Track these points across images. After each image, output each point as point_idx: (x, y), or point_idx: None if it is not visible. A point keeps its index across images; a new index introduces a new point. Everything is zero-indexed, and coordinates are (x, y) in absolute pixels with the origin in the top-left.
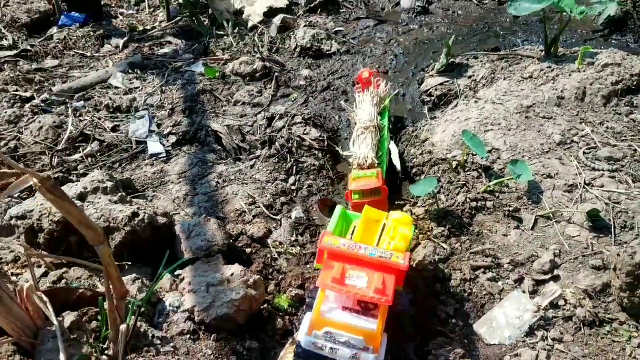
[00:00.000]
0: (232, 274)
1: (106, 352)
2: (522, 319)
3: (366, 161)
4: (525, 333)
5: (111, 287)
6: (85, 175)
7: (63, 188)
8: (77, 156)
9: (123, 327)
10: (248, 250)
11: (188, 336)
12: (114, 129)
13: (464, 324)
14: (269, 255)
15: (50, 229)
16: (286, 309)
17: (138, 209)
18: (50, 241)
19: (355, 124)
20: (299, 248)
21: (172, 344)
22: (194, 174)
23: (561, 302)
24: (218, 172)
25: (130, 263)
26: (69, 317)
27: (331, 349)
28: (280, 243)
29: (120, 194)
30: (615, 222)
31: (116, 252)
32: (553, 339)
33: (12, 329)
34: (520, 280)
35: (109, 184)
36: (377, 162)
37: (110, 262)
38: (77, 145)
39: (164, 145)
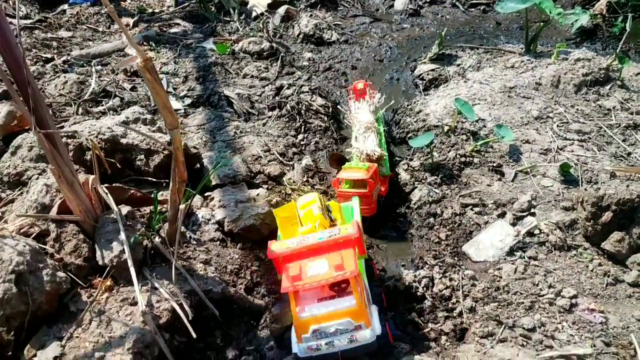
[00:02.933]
0: (258, 194)
1: (155, 237)
2: (504, 242)
3: (374, 153)
4: (506, 252)
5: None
6: None
7: (102, 119)
8: (100, 108)
9: (182, 206)
10: (265, 186)
11: (218, 242)
12: (133, 89)
13: (454, 245)
14: (283, 191)
15: (99, 146)
16: None
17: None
18: (98, 158)
19: (355, 125)
20: (309, 187)
21: (205, 246)
22: (212, 126)
23: (536, 231)
24: (234, 125)
25: (167, 180)
26: (124, 209)
27: (327, 344)
28: (294, 181)
29: (157, 125)
30: (582, 177)
31: (155, 171)
32: (529, 257)
33: (79, 211)
34: (502, 215)
35: (148, 116)
36: (385, 154)
37: (179, 146)
38: (99, 100)
39: (181, 103)
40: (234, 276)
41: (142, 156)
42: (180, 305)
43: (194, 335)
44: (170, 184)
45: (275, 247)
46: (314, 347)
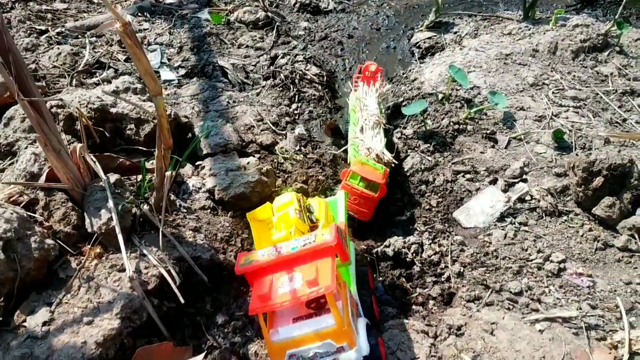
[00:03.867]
0: (248, 163)
1: (143, 205)
2: (495, 208)
3: (384, 156)
4: (496, 219)
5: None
6: None
7: (94, 90)
8: (94, 79)
9: (168, 173)
10: (257, 156)
11: (208, 211)
12: (127, 60)
13: (444, 212)
14: (275, 160)
15: (88, 116)
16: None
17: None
18: (86, 128)
19: (360, 111)
20: (302, 156)
21: (195, 214)
22: (205, 96)
23: (527, 198)
24: (227, 95)
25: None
26: (113, 177)
27: None
28: (286, 150)
29: (148, 95)
30: (576, 144)
31: (145, 140)
32: (519, 223)
33: (67, 179)
34: (494, 181)
35: (139, 86)
36: (393, 161)
37: (163, 113)
38: (93, 71)
39: (175, 74)
40: (225, 243)
41: (133, 125)
42: (168, 272)
43: (182, 301)
44: (156, 151)
45: (244, 260)
46: None
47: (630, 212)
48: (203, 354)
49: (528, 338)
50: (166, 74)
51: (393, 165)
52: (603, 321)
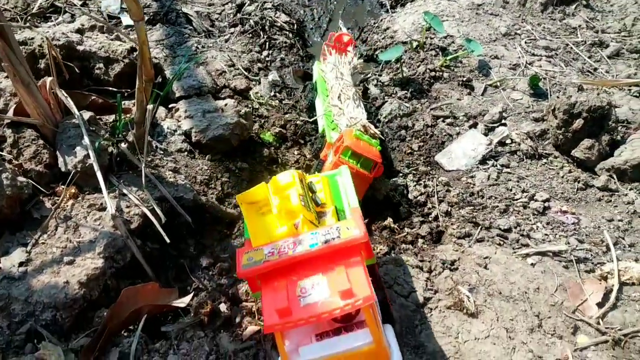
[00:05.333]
0: (226, 104)
1: (121, 143)
2: (477, 151)
3: (370, 127)
4: (478, 161)
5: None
6: None
7: (57, 25)
8: (50, 24)
9: (149, 107)
10: (231, 100)
11: (186, 153)
12: (84, 4)
13: (426, 155)
14: (250, 105)
15: (53, 54)
16: (271, 142)
17: (132, 46)
18: (55, 61)
19: (334, 80)
20: (277, 102)
21: (172, 157)
22: (171, 42)
23: (508, 141)
24: (195, 41)
25: (129, 90)
26: (86, 114)
27: None
28: (261, 96)
29: (116, 34)
30: (551, 90)
31: (115, 80)
32: (502, 165)
33: (37, 114)
34: (474, 126)
35: (105, 25)
36: (380, 136)
37: (145, 41)
38: (47, 15)
39: None
40: (204, 186)
41: (101, 65)
42: (152, 211)
43: (167, 240)
44: (137, 82)
45: (247, 260)
46: None
47: (608, 153)
48: (190, 295)
49: (521, 271)
50: (127, 20)
51: (380, 139)
52: (591, 254)
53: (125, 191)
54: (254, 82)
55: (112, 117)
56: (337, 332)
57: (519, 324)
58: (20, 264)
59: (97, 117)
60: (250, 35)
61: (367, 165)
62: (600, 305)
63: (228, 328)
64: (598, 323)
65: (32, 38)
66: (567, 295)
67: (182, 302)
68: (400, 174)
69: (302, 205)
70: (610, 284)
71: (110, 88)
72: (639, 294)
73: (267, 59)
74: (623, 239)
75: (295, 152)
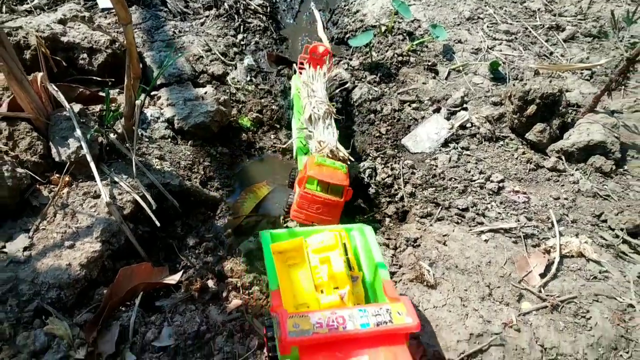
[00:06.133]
0: (205, 92)
1: (110, 134)
2: (439, 135)
3: (339, 152)
4: (441, 144)
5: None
6: None
7: (38, 17)
8: (26, 6)
9: (138, 102)
10: (209, 86)
11: (169, 140)
12: None
13: (394, 138)
14: (227, 91)
15: (43, 51)
16: (249, 127)
17: (114, 38)
18: (43, 55)
19: (307, 98)
20: (253, 86)
21: (157, 144)
22: (148, 26)
23: (468, 125)
24: (171, 25)
25: (113, 79)
26: (76, 106)
27: None
28: (238, 81)
29: (97, 23)
30: (510, 75)
31: (99, 70)
32: (462, 148)
33: (30, 108)
34: (437, 110)
35: (86, 14)
36: (348, 158)
37: (133, 42)
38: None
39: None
40: (188, 171)
41: (85, 55)
42: (143, 197)
43: (158, 224)
44: (125, 80)
45: (293, 326)
46: None
47: (558, 136)
48: (180, 273)
49: (476, 247)
50: (103, 2)
51: (349, 162)
52: (537, 231)
53: (116, 179)
54: (230, 67)
55: (98, 107)
56: None
57: (472, 293)
58: (24, 249)
59: (85, 107)
60: (225, 18)
61: (338, 190)
62: (542, 275)
63: (216, 302)
64: (540, 291)
65: (17, 29)
66: (514, 267)
67: (173, 279)
68: (370, 157)
69: (346, 272)
70: (552, 257)
71: (95, 77)
72: (577, 265)
73: (242, 42)
74: (567, 215)
75: (272, 137)
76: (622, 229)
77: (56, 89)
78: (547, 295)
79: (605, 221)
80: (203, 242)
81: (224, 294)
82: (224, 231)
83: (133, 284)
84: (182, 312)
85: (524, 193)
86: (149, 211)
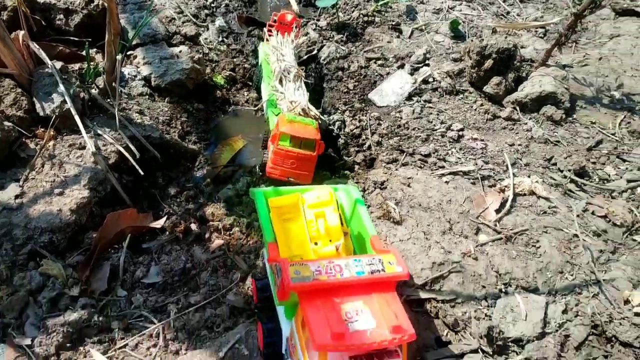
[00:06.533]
0: (180, 51)
1: (92, 89)
2: (404, 89)
3: (309, 111)
4: (405, 98)
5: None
6: None
7: None
8: None
9: (119, 57)
10: (183, 46)
11: (147, 97)
12: None
13: (361, 94)
14: (201, 51)
15: (14, 5)
16: (222, 84)
17: None
18: (15, 18)
19: (276, 63)
20: (225, 46)
21: (135, 100)
22: None
23: (430, 79)
24: None
25: (90, 39)
26: (57, 64)
27: None
28: (210, 41)
29: None
30: (469, 33)
31: (76, 30)
32: (425, 101)
33: (14, 65)
34: (401, 66)
35: None
36: (319, 117)
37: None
38: None
39: None
40: (166, 126)
41: (62, 15)
42: (126, 148)
43: (142, 173)
44: (106, 36)
45: (294, 273)
46: None
47: (513, 88)
48: (164, 218)
49: (437, 187)
50: None
51: (320, 121)
52: (493, 172)
53: (99, 132)
54: (202, 29)
55: (77, 66)
56: (369, 357)
57: (434, 228)
58: (16, 197)
59: (65, 65)
60: None
61: (310, 145)
62: (497, 211)
63: (199, 242)
64: (495, 225)
65: None
66: (472, 205)
67: (158, 223)
68: (339, 111)
69: (340, 225)
70: (506, 195)
71: (72, 37)
72: (529, 202)
73: (212, 5)
74: (520, 159)
75: (245, 94)
76: (569, 170)
77: (37, 46)
78: (502, 229)
79: (555, 164)
80: (184, 191)
81: (207, 235)
82: (204, 181)
83: (120, 227)
84: (168, 252)
85: (482, 140)
86: (132, 161)
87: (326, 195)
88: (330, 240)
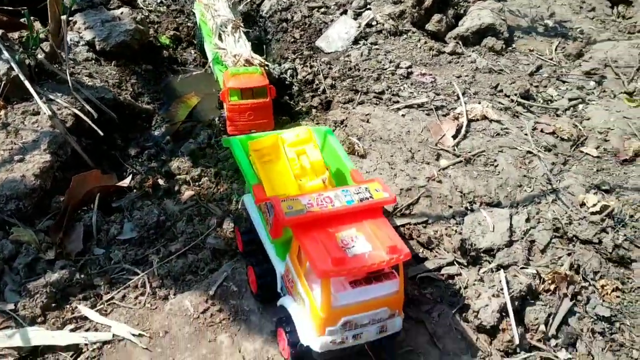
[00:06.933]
0: (122, 13)
1: (37, 55)
2: (349, 34)
3: (254, 60)
4: (352, 42)
5: None
6: None
7: None
8: None
9: (63, 17)
10: (121, 9)
11: (93, 62)
12: None
13: (308, 42)
14: (140, 14)
15: None
16: (168, 44)
17: None
18: None
19: (213, 18)
20: (165, 7)
21: (82, 65)
22: None
23: (374, 23)
24: None
25: (25, 8)
26: None
27: (354, 336)
28: (149, 4)
29: None
30: None
31: (9, 0)
32: (371, 43)
33: None
34: (344, 12)
35: None
36: (265, 63)
37: None
38: None
39: None
40: (117, 89)
41: None
42: (82, 110)
43: (101, 133)
44: None
45: (287, 208)
46: (339, 340)
47: (454, 24)
48: (130, 177)
49: (395, 121)
50: None
51: (266, 67)
52: (446, 103)
53: (51, 96)
54: None
55: (17, 34)
56: (368, 281)
57: (397, 158)
58: None
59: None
60: None
61: (262, 92)
62: (454, 137)
63: (169, 196)
64: (454, 150)
65: None
66: (430, 134)
67: (125, 182)
68: (289, 59)
69: (323, 160)
70: (461, 121)
71: (5, 7)
72: (482, 126)
73: None
74: (469, 89)
75: (193, 52)
76: (515, 95)
77: None
78: (460, 152)
79: (501, 90)
80: (145, 150)
81: (176, 188)
82: (163, 139)
83: (87, 188)
84: (139, 207)
85: (430, 75)
86: (89, 122)
87: (305, 132)
88: (315, 176)
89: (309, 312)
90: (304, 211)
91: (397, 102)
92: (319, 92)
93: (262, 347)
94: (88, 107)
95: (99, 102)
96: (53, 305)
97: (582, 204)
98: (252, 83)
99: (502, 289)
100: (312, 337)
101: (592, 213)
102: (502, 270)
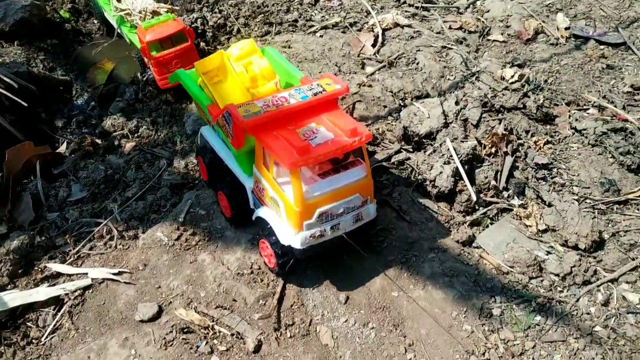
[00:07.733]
0: None
1: None
2: None
3: (160, 9)
4: None
5: None
6: None
7: None
8: None
9: None
10: None
11: None
12: None
13: None
14: None
15: None
16: (69, 17)
17: None
18: None
19: None
20: None
21: None
22: None
23: None
24: None
25: None
26: None
27: (332, 227)
28: None
29: None
30: None
31: None
32: None
33: None
34: None
35: None
36: (172, 7)
37: None
38: None
39: None
40: (27, 67)
41: None
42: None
43: (24, 104)
44: None
45: (244, 112)
46: (318, 234)
47: None
48: (64, 144)
49: (315, 42)
50: None
51: (175, 12)
52: (358, 19)
53: None
54: None
55: None
56: (336, 170)
57: (325, 72)
58: None
59: None
60: None
61: (181, 37)
62: (373, 45)
63: (111, 152)
64: (376, 56)
65: None
66: (350, 47)
67: (62, 149)
68: (196, 10)
69: (271, 67)
70: (376, 32)
71: None
72: (396, 33)
73: None
74: (375, 4)
75: (95, 22)
76: (419, 1)
77: None
78: (382, 58)
79: (405, 2)
80: (72, 119)
81: (116, 143)
82: (88, 105)
83: (24, 159)
84: (83, 167)
85: None
86: (10, 94)
87: (249, 44)
88: (267, 81)
89: (284, 212)
90: (261, 112)
91: (312, 26)
92: (234, 33)
93: (243, 255)
94: (7, 79)
95: (14, 77)
96: (20, 271)
97: (502, 78)
98: (169, 30)
99: (451, 156)
100: (292, 235)
101: (512, 82)
102: (447, 139)
